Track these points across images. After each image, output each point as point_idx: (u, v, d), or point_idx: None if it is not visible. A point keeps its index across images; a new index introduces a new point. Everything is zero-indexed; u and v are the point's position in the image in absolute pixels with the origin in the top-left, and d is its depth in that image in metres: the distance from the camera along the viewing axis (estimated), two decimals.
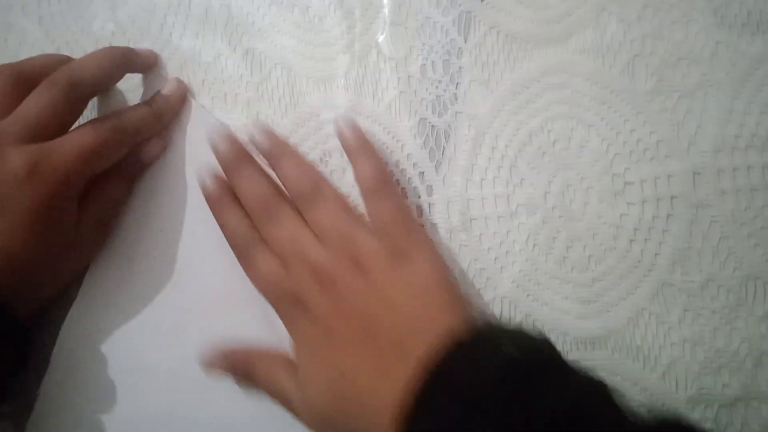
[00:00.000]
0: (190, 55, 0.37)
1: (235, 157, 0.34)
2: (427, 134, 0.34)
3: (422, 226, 0.33)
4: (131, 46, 0.38)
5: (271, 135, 0.34)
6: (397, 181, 0.34)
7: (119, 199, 0.36)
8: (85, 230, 0.34)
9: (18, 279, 0.31)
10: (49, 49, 0.39)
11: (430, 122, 0.34)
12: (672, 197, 0.31)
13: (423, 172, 0.34)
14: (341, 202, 0.33)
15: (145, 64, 0.37)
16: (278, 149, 0.33)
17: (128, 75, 0.36)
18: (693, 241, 0.30)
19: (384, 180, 0.32)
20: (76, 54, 0.39)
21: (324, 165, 0.35)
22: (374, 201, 0.32)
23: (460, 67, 0.33)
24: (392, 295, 0.29)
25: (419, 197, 0.34)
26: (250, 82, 0.36)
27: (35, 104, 0.32)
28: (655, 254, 0.31)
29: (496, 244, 0.33)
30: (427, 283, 0.30)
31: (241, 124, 0.36)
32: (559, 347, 0.31)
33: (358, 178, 0.32)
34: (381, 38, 0.34)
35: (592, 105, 0.32)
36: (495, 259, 0.33)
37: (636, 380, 0.31)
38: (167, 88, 0.36)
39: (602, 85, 0.31)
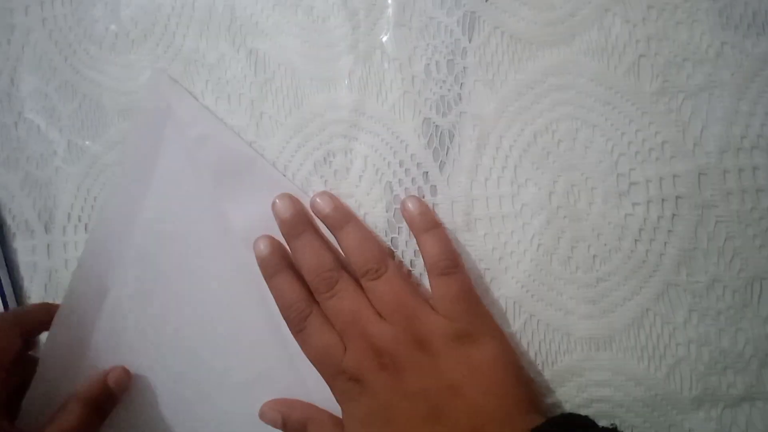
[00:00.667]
0: (194, 56, 0.37)
1: (298, 221, 0.33)
2: (431, 134, 0.34)
3: (488, 310, 0.32)
4: (134, 47, 0.38)
5: (334, 202, 0.33)
6: (401, 181, 0.34)
7: None
8: None
9: None
10: (52, 52, 0.39)
11: (434, 122, 0.34)
12: (677, 198, 0.31)
13: (427, 172, 0.34)
14: (405, 276, 0.32)
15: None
16: (342, 217, 0.33)
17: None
18: (698, 242, 0.30)
19: (452, 259, 0.32)
20: (80, 58, 0.39)
21: (328, 165, 0.35)
22: (441, 280, 0.31)
23: (464, 68, 0.33)
24: (459, 378, 0.29)
25: (423, 197, 0.34)
26: (253, 82, 0.36)
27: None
28: (660, 255, 0.31)
29: (501, 245, 0.33)
30: (495, 369, 0.30)
31: (244, 124, 0.36)
32: (563, 347, 0.32)
33: (425, 256, 0.32)
34: (385, 38, 0.34)
35: (596, 105, 0.32)
36: (499, 259, 0.33)
37: (640, 380, 0.31)
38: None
39: (607, 86, 0.31)
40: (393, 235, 0.34)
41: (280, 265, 0.33)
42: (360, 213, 0.35)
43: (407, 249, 0.34)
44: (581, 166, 0.32)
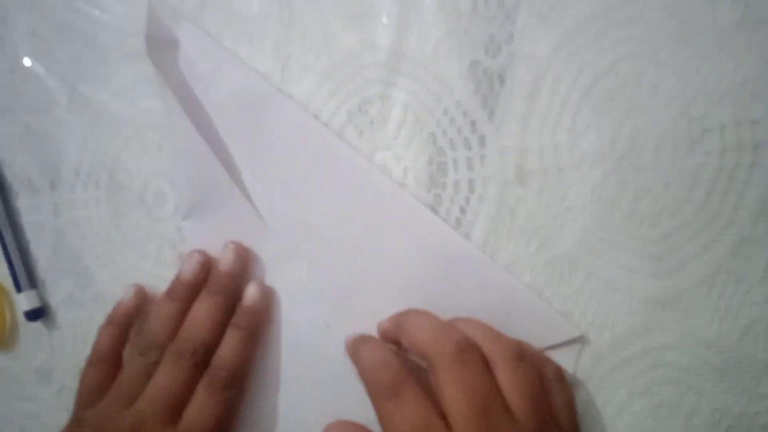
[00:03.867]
0: None
1: (394, 381, 0.28)
2: (479, 78, 0.31)
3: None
4: None
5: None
6: (445, 131, 0.31)
7: None
8: None
9: None
10: None
11: (482, 65, 0.30)
12: (755, 145, 0.28)
13: (474, 121, 0.31)
14: (486, 375, 0.27)
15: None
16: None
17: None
18: None
19: (460, 347, 0.27)
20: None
21: (363, 114, 0.32)
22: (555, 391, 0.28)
23: (516, 1, 0.30)
24: None
25: (470, 149, 0.31)
26: (278, 21, 0.33)
27: (167, 382, 0.31)
28: (736, 206, 0.28)
29: (558, 199, 0.30)
30: None
31: (268, 69, 0.33)
32: (625, 307, 0.29)
33: (413, 349, 0.29)
34: None
35: (666, 41, 0.28)
36: (555, 215, 0.30)
37: (711, 343, 0.28)
38: (249, 297, 0.32)
39: (679, 19, 0.28)
40: (437, 191, 0.31)
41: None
42: (399, 167, 0.32)
43: (452, 206, 0.31)
44: (648, 109, 0.29)
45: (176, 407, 0.30)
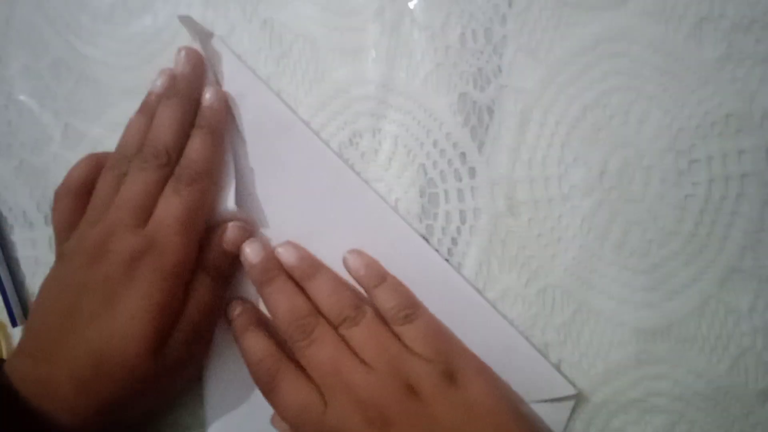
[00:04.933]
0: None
1: (268, 266, 0.31)
2: (469, 111, 0.31)
3: (464, 343, 0.31)
4: (133, 18, 0.35)
5: (299, 251, 0.31)
6: (435, 163, 0.31)
7: (210, 301, 0.31)
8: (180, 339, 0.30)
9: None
10: (42, 25, 0.36)
11: (471, 97, 0.31)
12: (742, 176, 0.28)
13: (464, 153, 0.31)
14: (383, 322, 0.30)
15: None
16: (310, 267, 0.31)
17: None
18: (765, 223, 0.28)
19: (410, 306, 0.30)
20: (73, 31, 0.36)
21: (354, 147, 0.32)
22: (406, 328, 0.29)
23: (504, 36, 0.30)
24: (456, 423, 0.27)
25: (460, 180, 0.31)
26: (269, 56, 0.33)
27: (133, 188, 0.30)
28: (724, 238, 0.28)
29: (547, 230, 0.30)
30: (491, 407, 0.28)
31: None
32: (616, 338, 0.29)
33: (383, 312, 0.30)
34: (414, 4, 0.31)
35: (653, 75, 0.29)
36: (546, 245, 0.30)
37: (701, 373, 0.29)
38: (206, 99, 0.32)
39: (665, 53, 0.28)
40: (428, 222, 0.31)
41: (249, 321, 0.31)
42: (391, 199, 0.32)
43: (444, 237, 0.31)
44: (636, 142, 0.29)
45: (144, 211, 0.30)
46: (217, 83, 0.33)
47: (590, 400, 0.30)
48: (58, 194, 0.33)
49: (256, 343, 0.31)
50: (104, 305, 0.28)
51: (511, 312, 0.31)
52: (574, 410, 0.30)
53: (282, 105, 0.32)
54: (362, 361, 0.29)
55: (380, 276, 0.31)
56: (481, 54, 0.31)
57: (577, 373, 0.30)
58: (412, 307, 0.30)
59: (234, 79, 0.33)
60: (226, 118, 0.32)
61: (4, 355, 0.37)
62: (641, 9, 0.29)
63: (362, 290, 0.31)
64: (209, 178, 0.31)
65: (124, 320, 0.28)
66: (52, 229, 0.33)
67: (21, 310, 0.37)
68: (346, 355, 0.29)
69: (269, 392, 0.30)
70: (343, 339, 0.30)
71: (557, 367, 0.30)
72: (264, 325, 0.32)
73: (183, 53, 0.32)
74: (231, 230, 0.31)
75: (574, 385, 0.30)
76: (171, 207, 0.30)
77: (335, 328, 0.30)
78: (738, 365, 0.28)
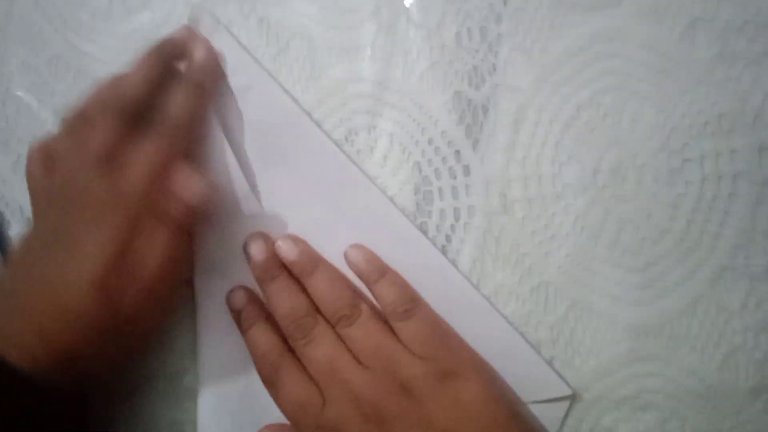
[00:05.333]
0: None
1: (272, 264, 0.31)
2: (464, 109, 0.31)
3: (463, 340, 0.31)
4: (131, 15, 0.35)
5: (299, 246, 0.31)
6: (430, 161, 0.31)
7: (170, 255, 0.30)
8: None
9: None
10: (41, 21, 0.36)
11: (466, 96, 0.31)
12: (735, 175, 0.28)
13: (459, 151, 0.31)
14: (380, 321, 0.30)
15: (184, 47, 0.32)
16: (309, 263, 0.31)
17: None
18: (757, 222, 0.28)
19: (409, 301, 0.30)
20: (71, 28, 0.36)
21: (350, 144, 0.32)
22: (404, 324, 0.30)
23: (499, 35, 0.30)
24: (450, 423, 0.27)
25: (455, 178, 0.31)
26: (266, 54, 0.33)
27: (96, 136, 0.29)
28: (716, 236, 0.28)
29: (541, 228, 0.30)
30: (486, 407, 0.28)
31: None
32: (609, 335, 0.30)
33: (382, 306, 0.31)
34: (410, 3, 0.31)
35: (646, 75, 0.29)
36: (539, 243, 0.30)
37: (693, 370, 0.29)
38: (197, 56, 0.31)
39: (658, 53, 0.29)
40: (422, 219, 0.32)
41: (253, 313, 0.32)
42: (386, 196, 0.32)
43: (438, 234, 0.32)
44: (629, 141, 0.29)
45: (111, 159, 0.29)
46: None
47: (582, 397, 0.30)
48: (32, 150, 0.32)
49: (261, 336, 0.31)
50: (67, 254, 0.28)
51: (505, 309, 0.31)
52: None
53: (287, 97, 0.32)
54: (359, 360, 0.29)
55: (380, 271, 0.31)
56: (476, 52, 0.31)
57: (569, 370, 0.30)
58: (411, 302, 0.30)
59: (239, 70, 0.33)
60: (214, 77, 0.32)
61: None
62: (635, 9, 0.29)
63: (363, 285, 0.32)
64: (184, 131, 0.31)
65: (84, 270, 0.28)
66: None
67: None
68: (342, 354, 0.30)
69: (271, 386, 0.31)
70: (341, 338, 0.30)
71: (550, 364, 0.30)
72: (270, 318, 0.32)
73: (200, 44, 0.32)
74: (193, 183, 0.30)
75: (569, 385, 0.30)
76: (141, 155, 0.29)
77: (333, 326, 0.30)
78: (729, 363, 0.29)
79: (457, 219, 0.31)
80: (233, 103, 0.33)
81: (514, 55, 0.30)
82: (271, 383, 0.31)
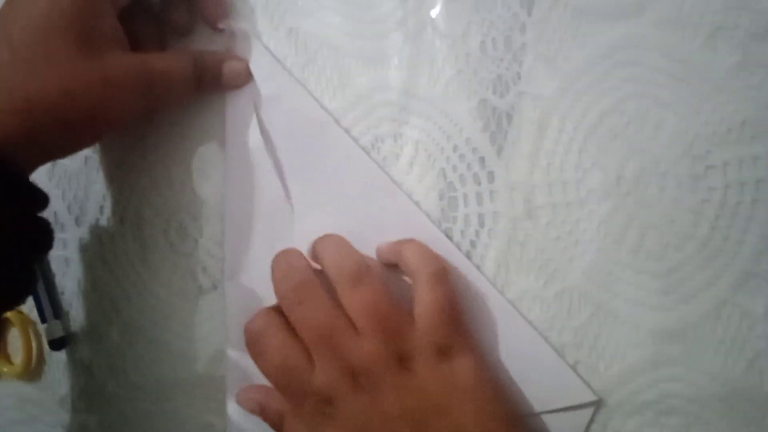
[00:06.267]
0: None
1: None
2: (488, 117, 0.32)
3: (466, 320, 0.31)
4: None
5: None
6: (455, 167, 0.32)
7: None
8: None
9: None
10: None
11: (491, 104, 0.32)
12: (758, 181, 0.28)
13: (483, 158, 0.32)
14: (386, 287, 0.29)
15: None
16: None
17: None
18: None
19: (440, 266, 0.30)
20: None
21: (376, 151, 0.33)
22: (428, 288, 0.29)
23: (523, 44, 0.31)
24: (443, 398, 0.27)
25: (479, 184, 0.32)
26: (295, 63, 0.34)
27: None
28: (739, 242, 0.29)
29: (565, 234, 0.31)
30: (478, 387, 0.28)
31: None
32: (633, 340, 0.30)
33: (409, 263, 0.30)
34: (436, 13, 0.32)
35: (669, 83, 0.29)
36: (564, 248, 0.31)
37: (716, 375, 0.29)
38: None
39: (680, 61, 0.29)
40: (447, 225, 0.32)
41: None
42: (412, 201, 0.33)
43: (462, 240, 0.32)
44: (652, 148, 0.30)
45: None
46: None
47: (606, 401, 0.30)
48: None
49: (291, 258, 0.30)
50: None
51: (529, 314, 0.31)
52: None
53: (316, 105, 0.33)
54: (356, 327, 0.28)
55: (410, 239, 0.31)
56: (500, 61, 0.31)
57: (593, 374, 0.30)
58: (441, 268, 0.30)
59: (270, 78, 0.34)
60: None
61: (34, 351, 0.39)
62: (657, 18, 0.29)
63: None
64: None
65: (49, 9, 0.27)
66: (82, 230, 0.34)
67: (51, 308, 0.38)
68: (339, 318, 0.28)
69: (255, 347, 0.29)
70: (341, 303, 0.29)
71: (574, 369, 0.30)
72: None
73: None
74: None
75: (594, 391, 0.30)
76: None
77: (336, 288, 0.29)
78: (753, 368, 0.29)
79: (481, 225, 0.32)
80: (265, 111, 0.34)
81: (538, 64, 0.31)
82: (256, 351, 0.29)
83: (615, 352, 0.30)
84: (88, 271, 0.37)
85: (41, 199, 0.30)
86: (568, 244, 0.31)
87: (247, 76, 0.34)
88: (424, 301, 0.29)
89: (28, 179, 0.29)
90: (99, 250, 0.37)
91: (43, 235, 0.30)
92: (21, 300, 0.30)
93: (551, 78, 0.31)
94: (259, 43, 0.34)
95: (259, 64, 0.34)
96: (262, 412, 0.31)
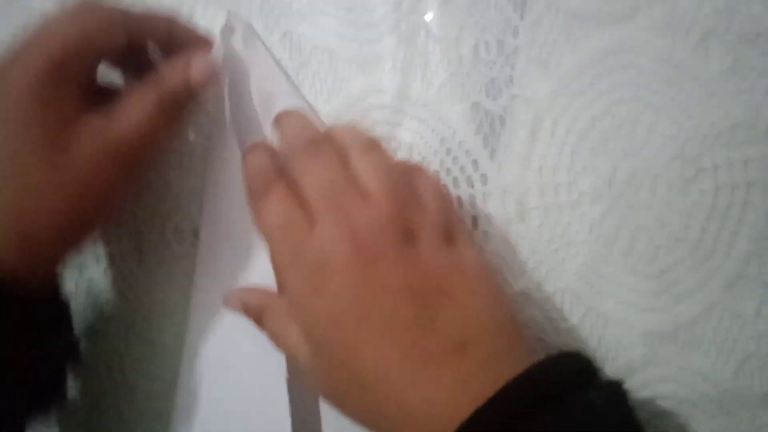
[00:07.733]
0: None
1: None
2: (481, 119, 0.32)
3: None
4: None
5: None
6: (449, 170, 0.32)
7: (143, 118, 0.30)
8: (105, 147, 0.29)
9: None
10: None
11: (483, 107, 0.32)
12: (748, 184, 0.29)
13: (476, 160, 0.32)
14: (394, 159, 0.30)
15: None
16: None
17: None
18: None
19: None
20: None
21: None
22: (421, 177, 0.29)
23: (516, 47, 0.31)
24: (448, 279, 0.26)
25: (472, 186, 0.32)
26: (289, 66, 0.34)
27: None
28: (729, 245, 0.29)
29: (557, 235, 0.31)
30: (483, 274, 0.28)
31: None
32: (624, 341, 0.30)
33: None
34: (429, 17, 0.32)
35: (660, 87, 0.30)
36: (556, 250, 0.31)
37: (707, 376, 0.29)
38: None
39: (672, 65, 0.29)
40: None
41: (261, 144, 0.30)
42: None
43: None
44: (643, 151, 0.30)
45: None
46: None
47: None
48: None
49: (259, 158, 0.29)
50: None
51: (523, 315, 0.31)
52: None
53: (312, 112, 0.34)
54: (366, 193, 0.27)
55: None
56: (493, 65, 0.32)
57: None
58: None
59: (267, 78, 0.34)
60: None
61: None
62: (649, 23, 0.30)
63: None
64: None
65: (15, 125, 0.28)
66: None
67: None
68: (348, 180, 0.27)
69: (257, 202, 0.28)
70: (353, 167, 0.27)
71: None
72: (273, 151, 0.30)
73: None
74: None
75: None
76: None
77: (347, 154, 0.28)
78: (744, 369, 0.29)
79: (474, 227, 0.32)
80: (258, 110, 0.34)
81: (531, 67, 0.31)
82: (257, 199, 0.28)
83: (607, 353, 0.31)
84: (85, 273, 0.38)
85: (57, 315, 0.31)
86: (560, 246, 0.31)
87: (217, 68, 0.32)
88: (432, 186, 0.29)
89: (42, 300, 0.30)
90: (95, 251, 0.37)
91: (67, 349, 0.31)
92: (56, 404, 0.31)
93: (544, 81, 0.31)
94: (261, 42, 0.34)
95: (259, 63, 0.34)
96: (245, 310, 0.30)
